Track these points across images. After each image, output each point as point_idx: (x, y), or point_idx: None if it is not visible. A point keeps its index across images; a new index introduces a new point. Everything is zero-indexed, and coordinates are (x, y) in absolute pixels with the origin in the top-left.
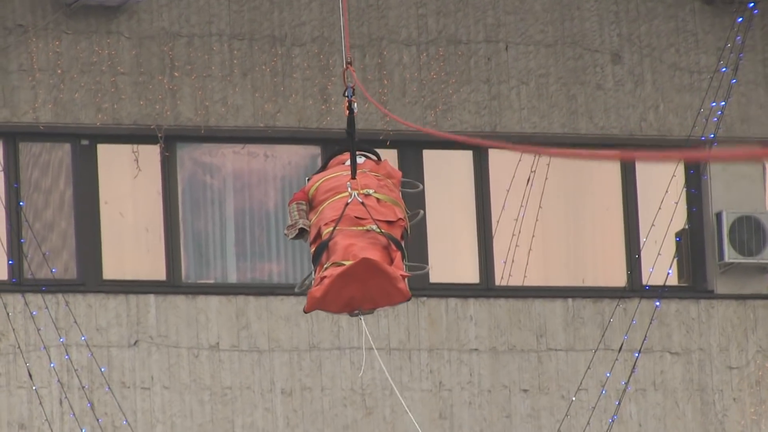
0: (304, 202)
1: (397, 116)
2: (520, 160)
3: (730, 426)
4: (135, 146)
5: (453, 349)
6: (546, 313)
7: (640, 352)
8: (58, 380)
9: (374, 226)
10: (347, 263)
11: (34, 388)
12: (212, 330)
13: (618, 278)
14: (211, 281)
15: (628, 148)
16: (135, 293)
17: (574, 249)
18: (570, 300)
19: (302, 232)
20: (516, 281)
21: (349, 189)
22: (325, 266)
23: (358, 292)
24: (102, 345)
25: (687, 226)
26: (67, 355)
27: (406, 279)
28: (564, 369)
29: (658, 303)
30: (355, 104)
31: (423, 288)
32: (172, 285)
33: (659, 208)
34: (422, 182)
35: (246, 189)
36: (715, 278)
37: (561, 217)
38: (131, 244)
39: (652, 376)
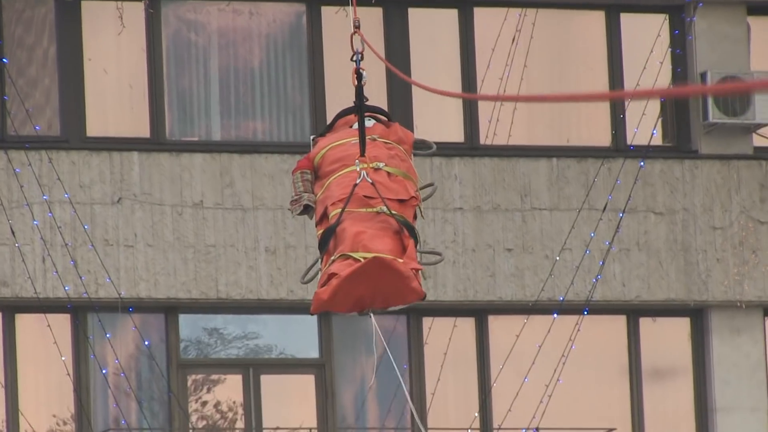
0: (309, 172)
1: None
2: (505, 19)
3: (713, 286)
4: (119, 3)
5: (437, 207)
6: (530, 173)
7: (624, 211)
8: (41, 237)
9: (384, 208)
10: (356, 256)
11: (16, 245)
12: (196, 188)
13: (603, 138)
14: (195, 139)
15: (614, 6)
16: (119, 150)
17: (559, 108)
18: (554, 159)
19: (307, 209)
20: (501, 140)
21: (358, 168)
22: (332, 258)
23: (369, 292)
24: (85, 202)
25: (672, 86)
26: (50, 212)
27: (420, 272)
28: (548, 228)
29: (642, 163)
30: (365, 72)
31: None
32: (156, 142)
33: (644, 68)
34: (407, 42)
35: (231, 46)
36: (699, 138)
37: (546, 76)
38: (115, 101)
39: (636, 236)
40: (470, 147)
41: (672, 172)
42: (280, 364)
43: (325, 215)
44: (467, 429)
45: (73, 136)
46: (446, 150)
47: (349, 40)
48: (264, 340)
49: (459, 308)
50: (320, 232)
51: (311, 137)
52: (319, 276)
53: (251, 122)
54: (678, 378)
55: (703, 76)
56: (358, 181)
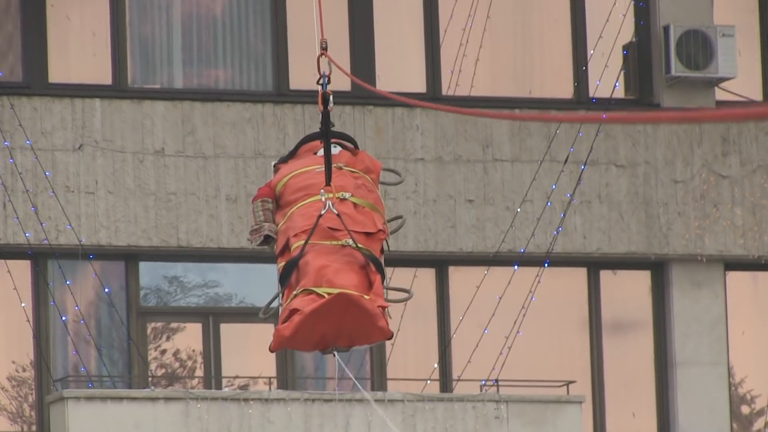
0: (270, 200)
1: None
2: None
3: (674, 240)
4: None
5: (399, 158)
6: (492, 124)
7: (585, 164)
8: (2, 183)
9: (350, 241)
10: (320, 291)
11: None
12: (158, 135)
13: (565, 90)
14: (157, 86)
15: None
16: (81, 97)
17: (522, 60)
18: (517, 111)
19: (268, 239)
20: (463, 91)
21: (323, 198)
22: (294, 293)
23: (332, 329)
24: (47, 149)
25: (634, 39)
26: (12, 158)
27: (387, 311)
28: (509, 180)
29: (604, 116)
30: (331, 97)
31: (369, 96)
32: (118, 89)
33: (607, 21)
34: None
35: None
36: (661, 91)
37: (509, 28)
38: (78, 47)
39: (597, 188)
40: (432, 97)
41: (634, 125)
42: (239, 312)
43: (287, 247)
44: (426, 380)
45: (35, 82)
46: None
47: (316, 64)
48: (224, 289)
49: (420, 259)
50: (282, 264)
51: (273, 164)
52: (280, 311)
53: (213, 70)
54: (638, 331)
55: (666, 29)
56: (323, 212)
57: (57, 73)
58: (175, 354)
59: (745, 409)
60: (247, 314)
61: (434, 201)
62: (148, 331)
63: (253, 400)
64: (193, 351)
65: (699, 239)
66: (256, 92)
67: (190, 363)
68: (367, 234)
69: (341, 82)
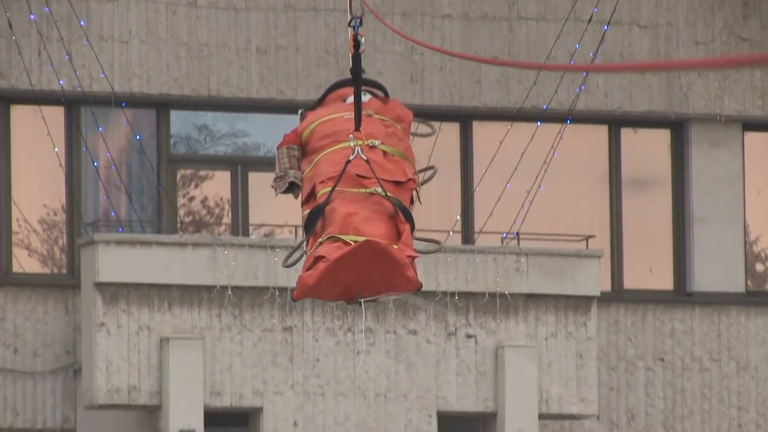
0: (296, 147)
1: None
2: None
3: (694, 99)
4: None
5: (426, 14)
6: None
7: (609, 24)
8: (38, 31)
9: (379, 189)
10: (347, 239)
11: (13, 38)
12: None
13: None
14: None
15: None
16: None
17: None
18: None
19: (293, 186)
20: None
21: (352, 143)
22: (319, 240)
23: (358, 279)
24: None
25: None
26: (47, 7)
27: (415, 261)
28: (534, 38)
29: None
30: (363, 39)
31: None
32: None
33: None
34: None
35: None
36: None
37: None
38: None
39: (619, 47)
40: None
41: None
42: (267, 162)
43: (312, 194)
44: (449, 231)
45: None
46: None
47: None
48: (252, 139)
49: (444, 113)
50: (307, 211)
51: (299, 111)
52: (303, 260)
53: None
54: (657, 188)
55: None
56: (351, 158)
57: None
58: (203, 201)
59: (759, 267)
60: (274, 164)
61: None
62: (178, 178)
63: (279, 247)
64: (221, 199)
65: (718, 99)
66: None
67: (217, 210)
68: (397, 183)
69: None
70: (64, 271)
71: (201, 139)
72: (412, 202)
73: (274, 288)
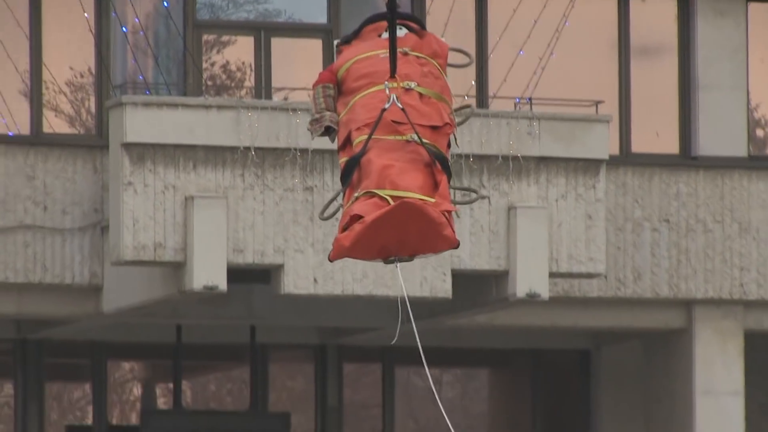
0: (331, 86)
1: None
2: None
3: None
4: None
5: None
6: None
7: None
8: None
9: (415, 136)
10: (383, 194)
11: None
12: None
13: None
14: None
15: None
16: None
17: None
18: None
19: (329, 130)
20: None
21: (387, 91)
22: (355, 194)
23: (395, 239)
24: None
25: None
26: None
27: (453, 214)
28: None
29: None
30: None
31: None
32: None
33: None
34: None
35: None
36: None
37: None
38: None
39: None
40: None
41: None
42: (290, 28)
43: (348, 140)
44: (464, 96)
45: None
46: None
47: None
48: (274, 5)
49: None
50: (343, 160)
51: (335, 43)
52: (340, 213)
53: None
54: (664, 56)
55: None
56: (386, 106)
57: None
58: (226, 66)
59: (760, 132)
60: (296, 29)
61: None
62: (202, 43)
63: (300, 110)
64: (243, 63)
65: None
66: None
67: (239, 75)
68: (433, 128)
69: None
70: (93, 132)
71: (224, 6)
72: (449, 146)
73: (295, 149)
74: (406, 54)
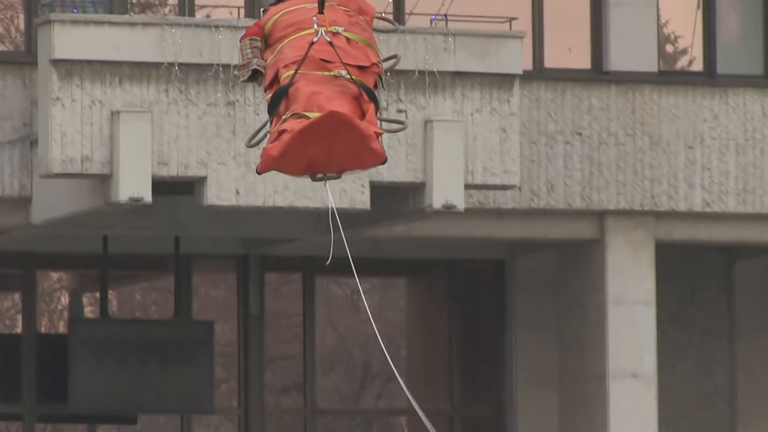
0: (258, 39)
1: None
2: None
3: None
4: None
5: None
6: None
7: None
8: None
9: (343, 71)
10: (310, 115)
11: None
12: None
13: None
14: None
15: None
16: None
17: None
18: None
19: (256, 74)
20: None
21: (315, 25)
22: (283, 117)
23: (323, 152)
24: None
25: None
26: None
27: (380, 137)
28: None
29: None
30: None
31: None
32: None
33: None
34: None
35: None
36: None
37: None
38: None
39: None
40: None
41: None
42: None
43: (276, 78)
44: (381, 12)
45: None
46: None
47: None
48: None
49: None
50: (270, 95)
51: (262, 9)
52: (267, 138)
53: None
54: None
55: None
56: (315, 39)
57: None
58: None
59: (669, 48)
60: None
61: None
62: None
63: (222, 27)
64: None
65: None
66: None
67: None
68: (361, 68)
69: None
70: (22, 48)
71: None
72: (376, 87)
73: (217, 65)
74: (333, 6)
